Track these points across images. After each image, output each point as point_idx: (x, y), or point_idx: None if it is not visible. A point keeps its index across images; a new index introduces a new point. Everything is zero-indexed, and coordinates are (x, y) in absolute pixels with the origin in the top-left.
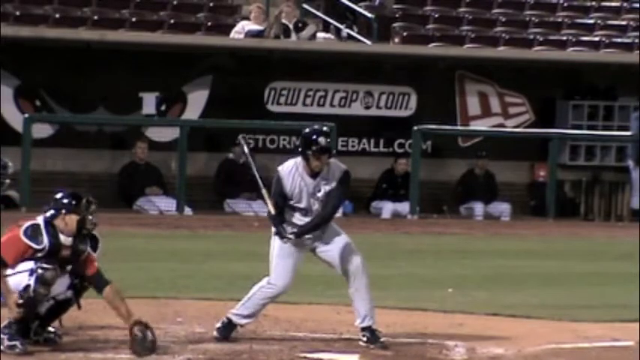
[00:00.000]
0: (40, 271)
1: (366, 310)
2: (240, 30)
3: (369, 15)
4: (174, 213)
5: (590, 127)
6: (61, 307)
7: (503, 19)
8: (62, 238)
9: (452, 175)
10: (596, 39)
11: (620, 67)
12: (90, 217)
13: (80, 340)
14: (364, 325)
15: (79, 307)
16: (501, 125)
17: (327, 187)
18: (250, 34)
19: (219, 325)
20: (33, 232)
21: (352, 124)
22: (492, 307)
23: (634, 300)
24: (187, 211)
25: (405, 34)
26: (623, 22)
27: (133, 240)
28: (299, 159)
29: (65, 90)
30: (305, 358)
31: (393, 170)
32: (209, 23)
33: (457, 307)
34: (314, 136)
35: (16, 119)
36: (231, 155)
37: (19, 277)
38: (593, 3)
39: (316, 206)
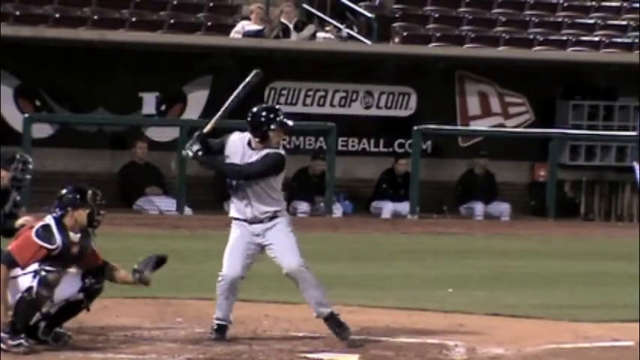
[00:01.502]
0: (43, 273)
1: (316, 301)
2: (240, 30)
3: (369, 15)
4: (174, 213)
5: (590, 127)
6: (71, 308)
7: (503, 19)
8: (71, 235)
9: (452, 175)
10: (596, 39)
11: (620, 67)
12: (99, 211)
13: (80, 340)
14: (323, 315)
15: (88, 309)
16: (501, 125)
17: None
18: (250, 34)
19: (211, 330)
20: (45, 233)
21: (352, 124)
22: (492, 307)
23: (634, 300)
24: (187, 211)
25: (405, 34)
26: (623, 22)
27: (133, 240)
28: (248, 134)
29: (65, 90)
30: (305, 358)
31: (393, 170)
32: (209, 23)
33: (457, 307)
34: (279, 115)
35: (16, 119)
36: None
37: (23, 279)
38: (593, 3)
39: None
